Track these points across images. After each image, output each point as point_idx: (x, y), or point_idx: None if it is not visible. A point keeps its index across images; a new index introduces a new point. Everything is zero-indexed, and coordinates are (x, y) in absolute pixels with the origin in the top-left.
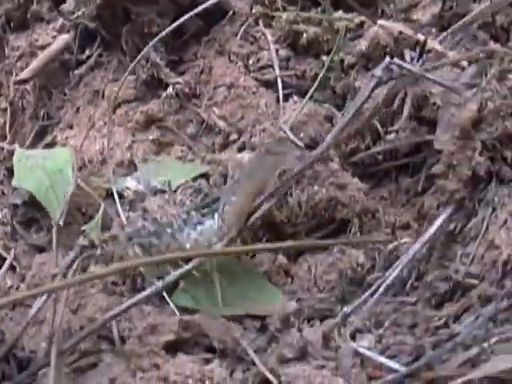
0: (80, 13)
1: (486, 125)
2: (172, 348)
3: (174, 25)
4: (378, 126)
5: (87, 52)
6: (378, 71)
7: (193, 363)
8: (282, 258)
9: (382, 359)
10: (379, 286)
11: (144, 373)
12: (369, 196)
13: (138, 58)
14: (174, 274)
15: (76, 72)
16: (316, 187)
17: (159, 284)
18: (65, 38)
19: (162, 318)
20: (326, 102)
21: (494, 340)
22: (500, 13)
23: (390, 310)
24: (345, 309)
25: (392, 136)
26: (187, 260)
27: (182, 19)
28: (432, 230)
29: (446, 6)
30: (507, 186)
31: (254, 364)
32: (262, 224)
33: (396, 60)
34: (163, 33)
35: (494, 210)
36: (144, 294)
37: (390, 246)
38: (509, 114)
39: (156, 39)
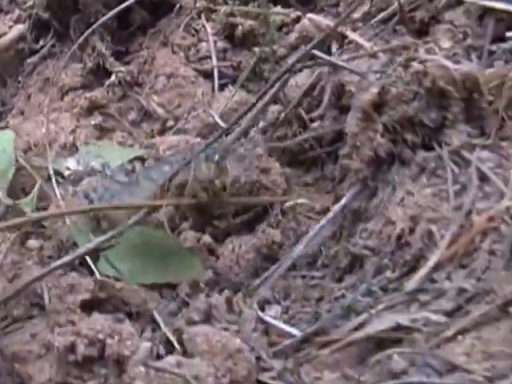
0: (31, 2)
1: (388, 108)
2: (88, 307)
3: (115, 11)
4: (303, 113)
5: (41, 42)
6: (291, 60)
7: (105, 320)
8: (206, 238)
9: (283, 326)
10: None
11: (61, 328)
12: (294, 182)
13: (75, 45)
14: (97, 239)
15: (29, 61)
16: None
17: (81, 250)
18: (20, 28)
19: (80, 279)
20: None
21: (381, 307)
22: (420, 8)
23: (299, 283)
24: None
25: (316, 124)
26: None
27: (122, 6)
28: (336, 207)
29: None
30: (408, 167)
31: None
32: (189, 205)
33: (309, 48)
34: (103, 19)
35: (394, 188)
36: (66, 258)
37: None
38: (410, 99)
39: (96, 24)
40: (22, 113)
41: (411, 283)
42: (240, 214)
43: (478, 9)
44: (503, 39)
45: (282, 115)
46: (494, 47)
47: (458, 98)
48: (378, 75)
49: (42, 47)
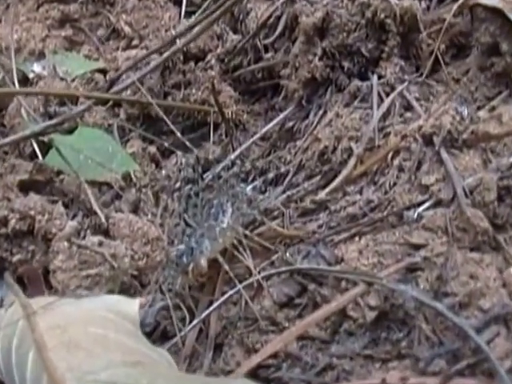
0: None
1: (329, 35)
2: (26, 188)
3: None
4: (259, 43)
5: None
6: None
7: (39, 201)
8: (152, 148)
9: None
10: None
11: None
12: (243, 107)
13: None
14: (43, 124)
15: None
16: (194, 90)
17: (26, 132)
18: None
19: (20, 160)
20: (225, 23)
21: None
22: None
23: None
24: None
25: (269, 55)
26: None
27: None
28: (269, 126)
29: None
30: (341, 93)
31: (95, 213)
32: (139, 117)
33: None
34: None
35: (325, 111)
36: (9, 138)
37: None
38: (352, 29)
39: None
40: (0, 21)
41: (322, 194)
42: (189, 132)
43: None
44: None
45: (240, 44)
46: None
47: (396, 32)
48: (325, 3)
49: None
